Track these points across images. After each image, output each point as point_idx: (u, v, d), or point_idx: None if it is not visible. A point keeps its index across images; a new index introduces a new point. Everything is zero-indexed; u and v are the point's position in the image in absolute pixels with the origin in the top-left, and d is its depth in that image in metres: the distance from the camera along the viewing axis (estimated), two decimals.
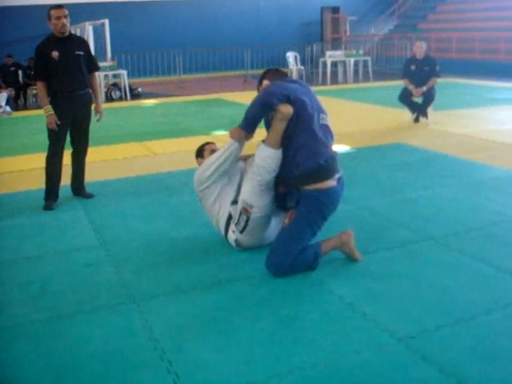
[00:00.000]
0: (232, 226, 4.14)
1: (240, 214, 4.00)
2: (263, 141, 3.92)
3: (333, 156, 3.82)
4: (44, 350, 3.05)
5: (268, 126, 3.98)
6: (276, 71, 4.18)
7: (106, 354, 2.98)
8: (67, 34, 5.29)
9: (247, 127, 3.94)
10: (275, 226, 4.16)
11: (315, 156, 3.73)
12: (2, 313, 3.48)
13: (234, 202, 4.12)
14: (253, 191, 3.92)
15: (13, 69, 14.52)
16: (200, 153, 4.58)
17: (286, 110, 3.73)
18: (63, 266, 4.17)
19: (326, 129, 3.91)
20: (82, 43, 5.59)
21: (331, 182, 3.75)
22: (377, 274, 3.77)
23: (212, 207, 4.25)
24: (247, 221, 3.99)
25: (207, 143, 4.65)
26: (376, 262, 3.97)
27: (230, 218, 4.15)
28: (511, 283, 3.63)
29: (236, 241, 4.16)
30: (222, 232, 4.24)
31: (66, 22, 5.20)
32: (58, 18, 5.16)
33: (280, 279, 3.75)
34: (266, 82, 4.07)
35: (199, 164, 4.50)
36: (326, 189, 3.72)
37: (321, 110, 3.93)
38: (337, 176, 3.80)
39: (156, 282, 3.82)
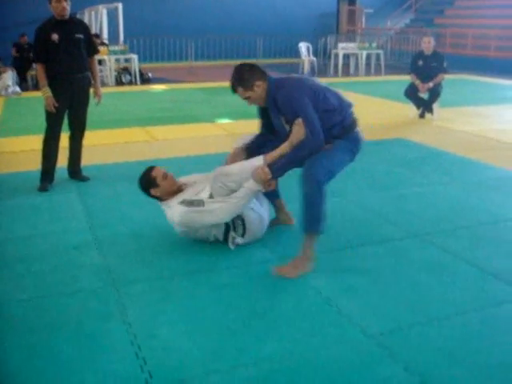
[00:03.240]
0: (232, 234, 4.06)
1: (233, 220, 4.00)
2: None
3: None
4: (21, 329, 3.10)
5: (261, 116, 4.05)
6: (258, 68, 3.83)
7: (79, 336, 3.02)
8: (67, 17, 5.31)
9: (278, 175, 3.83)
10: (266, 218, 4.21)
11: (349, 105, 3.95)
12: None
13: None
14: (235, 209, 3.90)
15: (27, 46, 14.58)
16: (153, 184, 4.12)
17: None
18: (51, 247, 4.21)
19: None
20: (82, 26, 5.60)
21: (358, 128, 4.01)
22: (357, 269, 3.78)
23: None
24: (243, 222, 4.02)
25: (150, 170, 4.19)
26: (358, 257, 3.98)
27: (227, 228, 4.05)
28: (492, 284, 3.61)
29: (239, 245, 4.10)
30: (221, 238, 4.11)
31: (66, 5, 5.21)
32: (58, 0, 5.17)
33: (259, 270, 3.77)
34: (260, 83, 3.75)
35: (156, 196, 4.16)
36: (359, 132, 3.98)
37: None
38: None
39: (138, 267, 3.85)
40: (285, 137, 3.82)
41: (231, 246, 4.08)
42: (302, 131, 3.66)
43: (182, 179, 4.33)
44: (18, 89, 12.62)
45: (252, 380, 2.65)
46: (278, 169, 3.76)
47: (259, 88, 3.76)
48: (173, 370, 2.71)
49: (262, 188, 3.83)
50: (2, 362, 2.82)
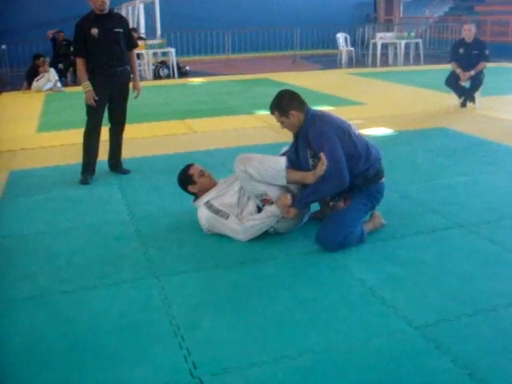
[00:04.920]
0: None
1: (263, 206, 4.03)
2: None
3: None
4: (64, 320, 3.12)
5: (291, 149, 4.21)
6: (298, 98, 3.95)
7: (122, 326, 3.03)
8: (106, 11, 5.33)
9: (299, 206, 3.96)
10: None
11: (378, 158, 4.05)
12: (28, 283, 3.57)
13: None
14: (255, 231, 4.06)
15: (65, 43, 14.76)
16: (190, 181, 4.27)
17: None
18: (92, 239, 4.25)
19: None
20: (121, 20, 5.62)
21: (384, 179, 4.10)
22: (402, 260, 3.72)
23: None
24: None
25: (188, 167, 4.35)
26: (402, 248, 3.91)
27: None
28: None
29: (275, 230, 4.13)
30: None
31: None
32: None
33: (304, 261, 3.75)
34: (295, 113, 3.89)
35: (194, 192, 4.29)
36: (383, 183, 4.08)
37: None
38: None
39: (180, 258, 3.85)
40: (308, 170, 3.96)
41: (270, 231, 4.11)
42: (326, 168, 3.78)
43: (222, 180, 4.40)
44: (59, 85, 12.78)
45: (296, 371, 2.62)
46: (299, 199, 3.94)
47: (294, 117, 3.92)
48: (217, 361, 2.70)
49: (281, 214, 3.95)
50: (45, 353, 2.84)
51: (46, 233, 4.41)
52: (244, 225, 4.00)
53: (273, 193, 3.95)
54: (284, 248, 3.95)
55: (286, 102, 3.93)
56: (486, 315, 3.05)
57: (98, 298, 3.35)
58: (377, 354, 2.74)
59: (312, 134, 3.86)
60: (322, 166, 3.76)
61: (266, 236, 4.10)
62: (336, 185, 3.82)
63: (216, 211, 4.08)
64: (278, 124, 4.09)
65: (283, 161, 3.93)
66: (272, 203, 3.97)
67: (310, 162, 3.93)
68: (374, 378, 2.57)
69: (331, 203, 4.06)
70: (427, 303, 3.18)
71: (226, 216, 4.05)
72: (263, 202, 3.99)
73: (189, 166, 4.36)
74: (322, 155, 3.76)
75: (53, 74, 12.71)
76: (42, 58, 12.97)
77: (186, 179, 4.31)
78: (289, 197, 3.90)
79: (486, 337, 2.85)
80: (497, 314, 3.06)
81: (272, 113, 4.03)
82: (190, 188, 4.29)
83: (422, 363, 2.66)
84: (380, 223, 4.22)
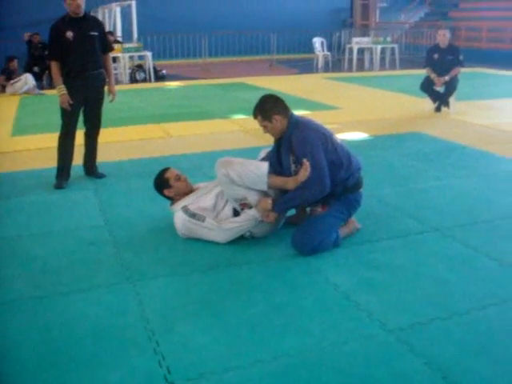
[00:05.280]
0: None
1: (241, 210, 4.02)
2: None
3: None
4: (39, 325, 3.09)
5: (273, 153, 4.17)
6: (282, 103, 3.96)
7: (97, 331, 3.01)
8: (81, 14, 5.30)
9: (279, 210, 3.99)
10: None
11: (358, 168, 4.08)
12: (2, 288, 3.53)
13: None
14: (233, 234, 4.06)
15: (40, 46, 14.63)
16: (166, 184, 4.25)
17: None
18: (67, 244, 4.21)
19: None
20: (97, 24, 5.58)
21: (362, 188, 4.15)
22: (376, 264, 3.74)
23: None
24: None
25: (164, 171, 4.33)
26: (377, 251, 3.94)
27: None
28: None
29: (251, 234, 4.13)
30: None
31: (81, 2, 5.20)
32: None
33: (278, 265, 3.76)
34: (279, 118, 3.89)
35: (170, 196, 4.27)
36: (362, 192, 4.13)
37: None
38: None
39: (155, 263, 3.84)
40: (289, 175, 3.97)
41: (246, 235, 4.11)
42: (308, 174, 3.78)
43: (200, 184, 4.42)
44: (36, 89, 12.66)
45: (271, 375, 2.62)
46: (280, 203, 3.94)
47: (277, 122, 3.91)
48: (191, 366, 2.69)
49: (260, 217, 3.95)
50: (18, 359, 2.81)
51: (20, 237, 4.37)
52: (222, 227, 4.00)
53: (252, 197, 3.94)
54: (259, 252, 3.96)
55: (269, 107, 3.92)
56: (460, 318, 3.08)
57: (72, 303, 3.32)
58: (351, 357, 2.75)
59: (295, 140, 3.86)
60: (305, 172, 3.76)
61: (241, 240, 4.10)
62: (317, 191, 3.83)
63: (192, 215, 4.07)
64: (256, 128, 4.09)
65: (265, 166, 3.92)
66: (250, 207, 3.97)
67: (292, 167, 3.93)
68: (348, 382, 2.58)
69: (309, 208, 4.08)
70: (401, 307, 3.21)
71: (202, 219, 4.04)
72: (241, 206, 3.99)
73: (165, 170, 4.35)
74: (305, 161, 3.76)
75: (30, 78, 12.58)
76: (16, 59, 12.85)
77: (161, 183, 4.29)
78: (269, 201, 3.90)
79: (459, 340, 2.87)
80: (470, 317, 3.10)
81: (255, 117, 4.01)
82: (166, 192, 4.28)
83: (395, 366, 2.68)
84: (355, 227, 4.24)
